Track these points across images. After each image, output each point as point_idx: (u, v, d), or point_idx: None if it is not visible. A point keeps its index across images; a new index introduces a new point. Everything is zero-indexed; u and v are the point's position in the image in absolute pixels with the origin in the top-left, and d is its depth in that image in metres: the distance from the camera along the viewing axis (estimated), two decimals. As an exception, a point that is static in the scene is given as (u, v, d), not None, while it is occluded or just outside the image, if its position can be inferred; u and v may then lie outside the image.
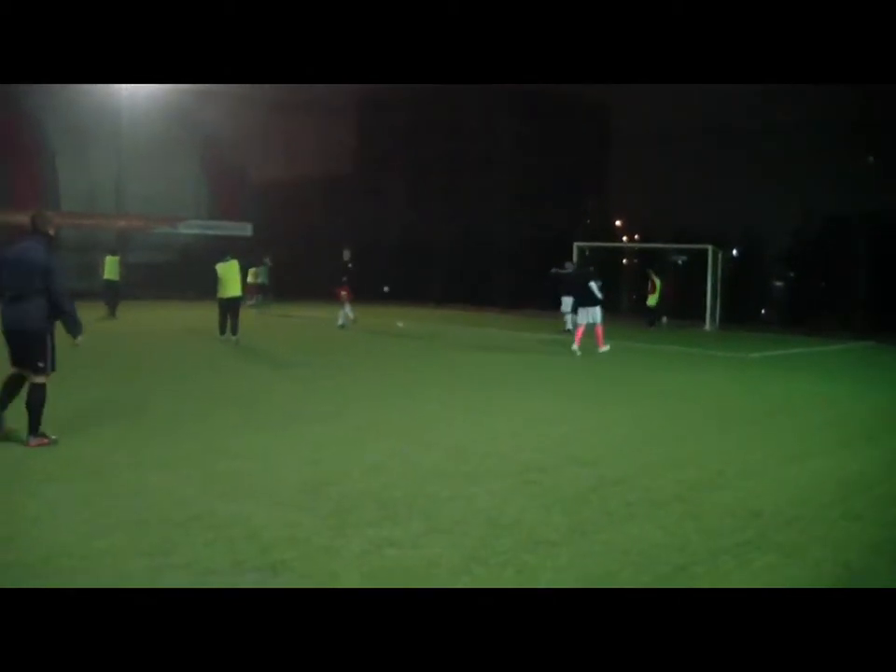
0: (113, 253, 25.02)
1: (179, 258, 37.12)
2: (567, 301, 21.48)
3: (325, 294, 32.98)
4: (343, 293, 20.91)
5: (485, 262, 28.91)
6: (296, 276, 34.20)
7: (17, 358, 7.27)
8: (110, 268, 24.13)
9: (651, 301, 24.26)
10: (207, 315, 26.15)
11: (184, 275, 36.18)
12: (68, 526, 5.06)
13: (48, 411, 7.25)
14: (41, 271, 7.03)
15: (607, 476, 6.68)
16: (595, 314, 16.05)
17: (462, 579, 4.39)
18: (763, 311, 26.13)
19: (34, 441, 7.17)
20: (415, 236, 32.79)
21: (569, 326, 20.78)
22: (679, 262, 27.58)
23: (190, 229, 36.98)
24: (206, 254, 36.99)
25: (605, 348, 15.98)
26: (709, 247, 24.34)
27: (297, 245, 36.03)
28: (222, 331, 17.15)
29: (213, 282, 17.35)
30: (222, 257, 17.39)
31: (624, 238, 30.09)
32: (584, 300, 16.32)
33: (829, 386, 12.85)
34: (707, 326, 24.22)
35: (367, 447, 7.51)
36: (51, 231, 7.37)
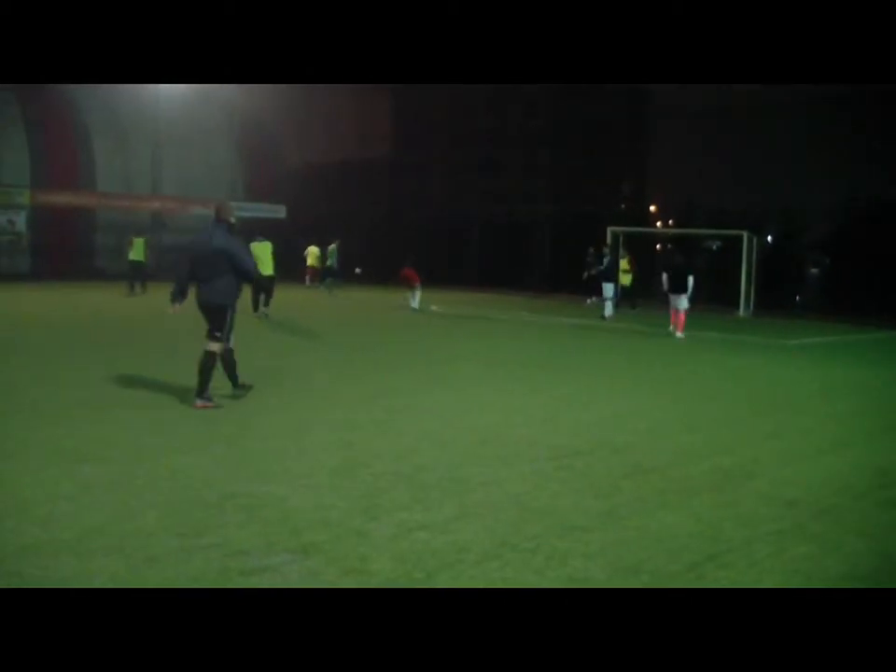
0: (139, 234, 25.63)
1: None
2: (609, 287, 21.75)
3: (360, 277, 33.32)
4: (411, 275, 21.00)
5: (517, 245, 28.80)
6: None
7: (209, 329, 8.30)
8: (137, 249, 24.78)
9: (626, 279, 24.00)
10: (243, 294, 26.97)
11: None
12: (102, 507, 5.09)
13: (77, 383, 7.28)
14: (226, 255, 8.01)
15: (641, 462, 6.64)
16: (684, 300, 17.18)
17: (492, 563, 4.37)
18: (797, 297, 25.79)
19: (199, 402, 8.06)
20: (451, 219, 32.68)
21: (608, 312, 20.90)
22: (714, 248, 27.32)
23: None
24: (242, 235, 37.56)
25: (682, 335, 16.90)
26: (744, 233, 23.97)
27: (332, 228, 36.15)
28: (255, 308, 18.04)
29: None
30: (255, 237, 18.17)
31: (658, 224, 29.86)
32: (679, 287, 17.30)
33: (867, 374, 12.68)
34: (742, 312, 23.92)
35: (401, 429, 7.51)
36: (232, 219, 8.29)
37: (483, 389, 9.85)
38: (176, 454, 6.38)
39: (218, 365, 8.31)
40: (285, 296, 19.63)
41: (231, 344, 8.45)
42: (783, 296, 24.42)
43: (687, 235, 25.81)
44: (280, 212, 37.80)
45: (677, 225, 28.67)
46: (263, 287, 17.94)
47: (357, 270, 27.62)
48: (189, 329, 10.28)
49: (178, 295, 8.38)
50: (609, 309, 21.15)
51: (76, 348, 12.69)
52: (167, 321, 10.48)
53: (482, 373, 11.17)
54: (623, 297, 23.81)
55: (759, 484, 6.14)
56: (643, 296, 24.72)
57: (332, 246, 28.95)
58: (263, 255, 17.82)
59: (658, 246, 28.76)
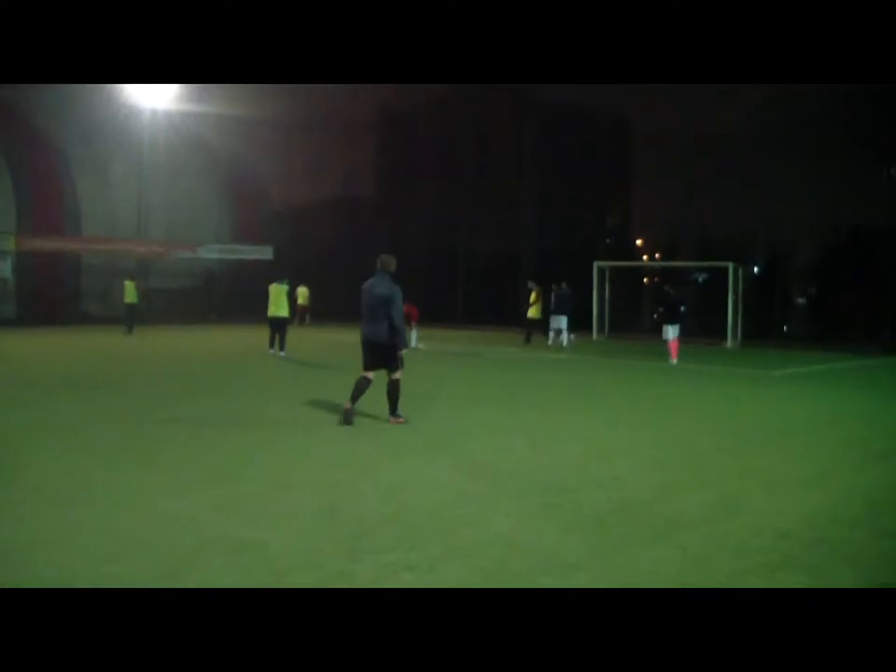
0: (131, 278, 27.55)
1: (201, 282, 37.55)
2: (560, 320, 23.01)
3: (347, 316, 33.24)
4: (410, 311, 20.50)
5: (506, 280, 28.77)
6: (323, 300, 34.56)
7: (371, 363, 9.75)
8: (129, 292, 26.89)
9: (533, 312, 23.62)
10: (231, 336, 26.45)
11: (205, 299, 36.56)
12: (83, 550, 5.00)
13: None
14: (386, 301, 9.43)
15: (628, 497, 6.57)
16: (676, 330, 18.44)
17: (479, 604, 4.31)
18: (785, 327, 25.87)
19: (393, 419, 9.75)
20: (437, 255, 32.62)
21: (562, 341, 22.75)
22: (700, 279, 27.43)
23: (210, 253, 37.39)
24: (227, 277, 37.52)
25: (675, 361, 18.09)
26: (730, 264, 24.28)
27: (321, 267, 36.21)
28: (271, 345, 19.08)
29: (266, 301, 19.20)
30: (279, 278, 19.45)
31: (644, 257, 29.92)
32: (673, 317, 18.55)
33: (855, 402, 12.64)
34: (729, 343, 24.04)
35: (384, 468, 7.45)
36: (392, 269, 9.70)
37: (465, 425, 9.82)
38: (157, 496, 6.25)
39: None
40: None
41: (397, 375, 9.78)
42: (770, 325, 24.50)
43: (674, 268, 25.87)
44: (267, 253, 37.89)
45: (663, 257, 28.75)
46: (278, 328, 18.89)
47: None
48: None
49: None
50: (553, 340, 22.99)
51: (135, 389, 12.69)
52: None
53: (464, 410, 11.09)
54: (529, 328, 23.94)
55: (748, 517, 6.05)
56: (629, 329, 25.01)
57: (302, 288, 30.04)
58: (279, 297, 18.95)
59: (645, 280, 28.87)
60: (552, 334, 23.73)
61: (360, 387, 9.73)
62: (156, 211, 35.95)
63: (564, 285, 24.39)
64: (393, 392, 9.78)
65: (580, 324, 25.43)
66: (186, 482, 6.85)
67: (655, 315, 19.11)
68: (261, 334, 19.59)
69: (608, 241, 30.22)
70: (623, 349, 22.46)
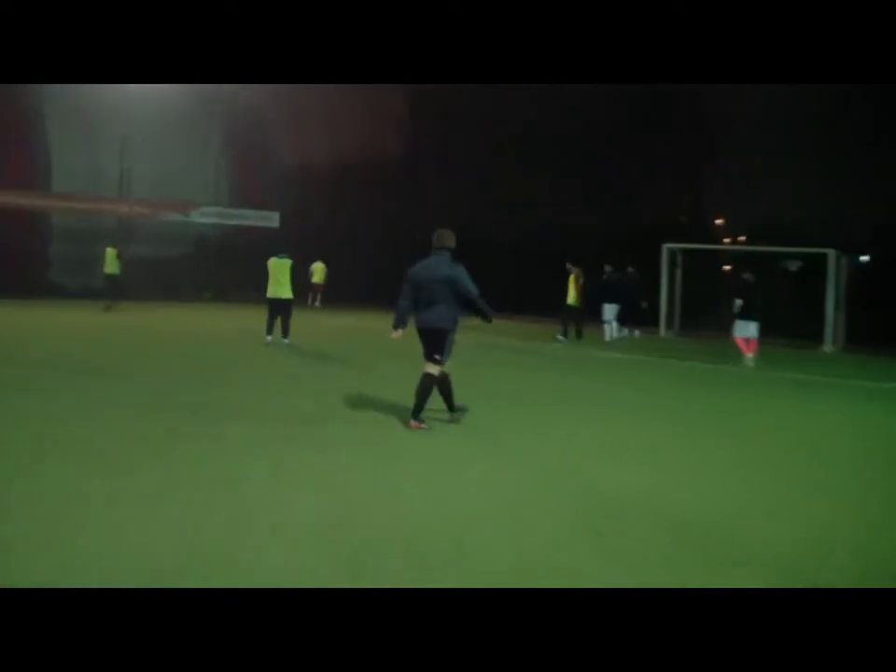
0: (113, 245, 27.95)
1: (192, 250, 37.38)
2: (611, 309, 23.51)
3: (362, 299, 33.25)
4: None
5: (548, 264, 28.43)
6: (339, 278, 34.61)
7: (427, 352, 9.98)
8: (110, 261, 27.29)
9: (572, 299, 23.31)
10: (228, 318, 26.93)
11: (198, 272, 36.42)
12: (41, 562, 5.07)
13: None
14: (450, 283, 9.72)
15: (685, 528, 6.47)
16: (755, 327, 18.68)
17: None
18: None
19: (413, 423, 9.79)
20: (473, 235, 32.08)
21: (611, 335, 23.37)
22: (794, 269, 27.19)
23: (206, 217, 37.25)
24: (225, 247, 37.42)
25: (751, 356, 18.51)
26: (831, 251, 23.81)
27: (339, 239, 36.11)
28: (269, 331, 18.93)
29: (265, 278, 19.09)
30: (278, 252, 19.16)
31: (726, 240, 29.84)
32: (751, 312, 18.69)
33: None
34: (827, 347, 23.62)
35: (398, 482, 7.44)
36: (452, 246, 9.99)
37: (493, 433, 9.89)
38: (121, 504, 6.34)
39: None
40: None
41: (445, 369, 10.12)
42: (883, 327, 23.80)
43: (760, 253, 25.67)
44: (273, 220, 37.89)
45: (748, 241, 28.48)
46: (280, 312, 18.80)
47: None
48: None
49: (400, 323, 10.15)
50: (609, 333, 23.60)
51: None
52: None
53: (495, 412, 11.09)
54: (574, 315, 23.56)
55: (839, 558, 5.88)
56: (704, 325, 24.58)
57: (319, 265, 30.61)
58: (282, 275, 18.79)
59: (727, 267, 28.70)
60: (606, 327, 23.79)
61: (442, 385, 10.01)
62: (142, 165, 35.58)
63: (630, 269, 24.53)
64: (423, 388, 9.88)
65: (646, 317, 25.04)
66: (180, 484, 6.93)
67: (733, 309, 18.70)
68: (263, 317, 19.41)
69: (682, 219, 30.10)
70: (697, 349, 22.08)
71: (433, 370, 9.92)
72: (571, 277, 23.29)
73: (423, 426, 9.76)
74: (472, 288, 9.81)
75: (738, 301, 18.80)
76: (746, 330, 18.67)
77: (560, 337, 22.94)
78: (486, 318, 9.88)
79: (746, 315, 18.67)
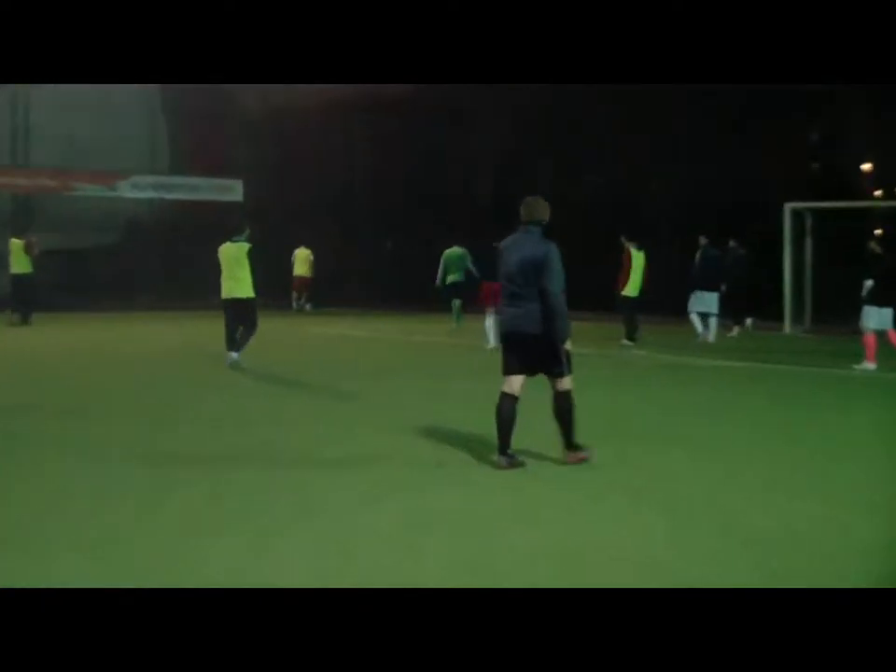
0: (19, 234, 26.90)
1: (120, 238, 36.10)
2: (708, 299, 23.12)
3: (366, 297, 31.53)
4: (488, 291, 19.80)
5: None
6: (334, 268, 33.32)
7: (516, 366, 9.41)
8: (17, 257, 26.14)
9: (632, 289, 22.12)
10: (166, 333, 26.68)
11: (128, 269, 35.10)
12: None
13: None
14: (537, 267, 9.22)
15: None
16: (888, 316, 17.43)
17: None
18: None
19: (571, 456, 9.44)
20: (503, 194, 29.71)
21: (700, 330, 22.81)
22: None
23: (139, 190, 36.05)
24: (166, 233, 36.70)
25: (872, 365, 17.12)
26: None
27: (323, 215, 34.91)
28: (231, 345, 17.42)
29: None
30: (230, 233, 17.91)
31: (877, 192, 28.70)
32: (885, 295, 17.30)
33: None
34: None
35: (419, 551, 7.31)
36: (546, 219, 9.57)
37: (538, 483, 9.57)
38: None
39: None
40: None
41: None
42: None
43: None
44: (234, 191, 36.78)
45: (886, 196, 27.69)
46: (240, 317, 17.34)
47: None
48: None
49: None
50: (700, 327, 23.11)
51: None
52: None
53: (535, 451, 10.47)
54: (632, 305, 22.69)
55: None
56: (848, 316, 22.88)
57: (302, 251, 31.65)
58: (237, 266, 17.40)
59: (878, 232, 26.82)
60: (706, 321, 22.85)
61: (504, 417, 9.36)
62: (45, 121, 33.88)
63: (732, 242, 24.05)
64: (565, 411, 9.39)
65: (757, 306, 25.12)
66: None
67: (865, 292, 17.89)
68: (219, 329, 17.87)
69: (814, 165, 28.76)
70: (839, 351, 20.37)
71: (566, 384, 9.46)
72: (633, 255, 22.11)
73: (584, 455, 9.44)
74: (555, 280, 9.13)
75: (868, 282, 17.65)
76: (878, 320, 17.09)
77: (626, 341, 21.96)
78: (554, 331, 9.23)
79: (876, 299, 17.26)
